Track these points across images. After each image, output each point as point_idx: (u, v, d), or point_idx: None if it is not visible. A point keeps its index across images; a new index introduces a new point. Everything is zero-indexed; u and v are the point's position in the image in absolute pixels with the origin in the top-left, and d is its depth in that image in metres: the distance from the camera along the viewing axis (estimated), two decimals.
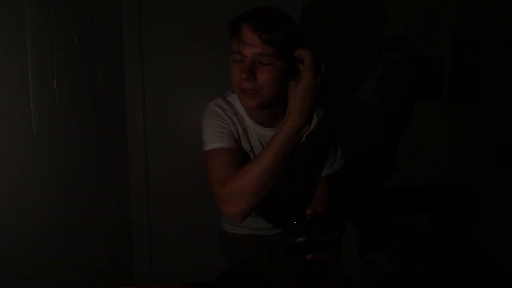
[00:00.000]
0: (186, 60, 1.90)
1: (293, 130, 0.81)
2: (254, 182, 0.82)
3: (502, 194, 2.13)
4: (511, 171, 2.15)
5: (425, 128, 2.08)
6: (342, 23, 1.95)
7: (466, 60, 2.05)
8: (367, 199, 1.99)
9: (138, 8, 1.85)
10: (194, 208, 1.97)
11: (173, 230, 2.01)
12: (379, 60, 1.99)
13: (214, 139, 0.98)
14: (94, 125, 1.54)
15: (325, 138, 1.09)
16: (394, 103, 2.04)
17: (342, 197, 2.06)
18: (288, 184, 1.13)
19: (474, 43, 2.04)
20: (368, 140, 2.04)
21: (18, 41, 1.06)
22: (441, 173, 2.10)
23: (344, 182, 1.98)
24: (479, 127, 2.11)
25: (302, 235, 0.77)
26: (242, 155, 1.01)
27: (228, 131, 0.99)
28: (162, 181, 1.99)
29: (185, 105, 1.95)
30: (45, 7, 1.17)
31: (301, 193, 1.17)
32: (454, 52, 2.03)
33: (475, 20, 2.01)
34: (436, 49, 2.01)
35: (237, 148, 0.99)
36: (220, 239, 1.33)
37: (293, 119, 0.81)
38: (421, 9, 1.98)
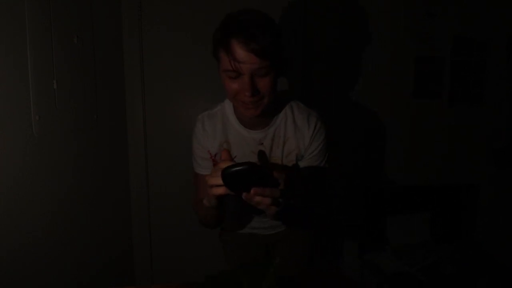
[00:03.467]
0: (186, 60, 1.90)
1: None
2: (199, 216, 1.08)
3: (502, 194, 2.13)
4: (511, 171, 2.15)
5: (425, 128, 2.08)
6: (342, 23, 1.95)
7: (466, 60, 2.05)
8: (367, 199, 1.99)
9: (138, 8, 1.86)
10: None
11: (173, 230, 2.01)
12: (379, 60, 1.99)
13: (194, 163, 1.14)
14: (94, 125, 1.54)
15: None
16: (394, 103, 2.04)
17: (343, 197, 2.07)
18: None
19: (475, 43, 2.04)
20: (368, 140, 2.04)
21: (18, 41, 1.06)
22: (441, 173, 2.10)
23: (344, 182, 1.99)
24: (479, 127, 2.11)
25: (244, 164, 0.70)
26: None
27: (203, 156, 1.09)
28: (162, 181, 1.99)
29: (185, 105, 1.95)
30: (45, 7, 1.18)
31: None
32: (454, 52, 2.03)
33: (475, 20, 2.01)
34: (436, 49, 2.02)
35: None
36: (220, 236, 1.35)
37: None
38: (421, 9, 1.98)
